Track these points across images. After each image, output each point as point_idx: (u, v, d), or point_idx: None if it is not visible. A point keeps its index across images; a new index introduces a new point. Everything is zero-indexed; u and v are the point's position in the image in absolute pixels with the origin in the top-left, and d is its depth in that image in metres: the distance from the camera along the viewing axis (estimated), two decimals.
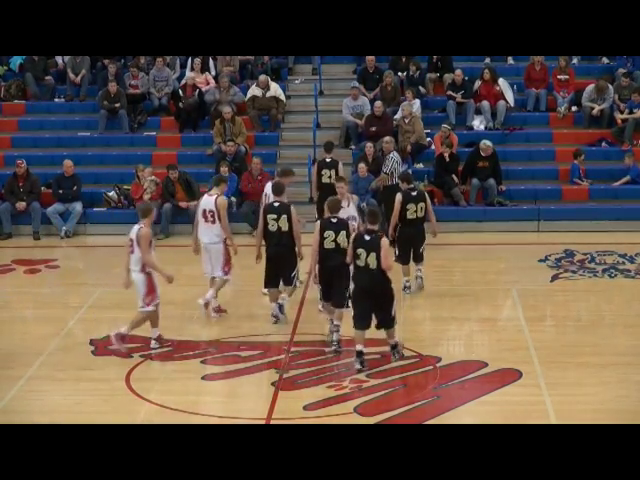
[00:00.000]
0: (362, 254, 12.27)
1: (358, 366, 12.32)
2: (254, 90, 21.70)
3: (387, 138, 18.86)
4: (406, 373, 12.23)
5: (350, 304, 12.71)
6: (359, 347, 12.40)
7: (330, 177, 17.12)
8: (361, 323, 12.39)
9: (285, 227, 13.78)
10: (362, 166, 18.88)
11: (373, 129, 20.39)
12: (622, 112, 21.12)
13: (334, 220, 13.12)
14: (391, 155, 18.33)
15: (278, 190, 14.03)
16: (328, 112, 22.03)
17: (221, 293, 14.58)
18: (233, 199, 19.50)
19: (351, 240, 12.55)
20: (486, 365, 12.35)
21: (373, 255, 12.21)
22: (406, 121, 20.51)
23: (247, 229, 19.27)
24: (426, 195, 15.48)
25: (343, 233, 13.00)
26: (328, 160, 17.51)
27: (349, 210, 14.18)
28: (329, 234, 13.04)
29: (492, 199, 19.85)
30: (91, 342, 13.45)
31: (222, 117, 20.80)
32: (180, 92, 21.84)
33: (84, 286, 16.23)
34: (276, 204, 13.91)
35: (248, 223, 19.36)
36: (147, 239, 12.83)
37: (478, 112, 21.59)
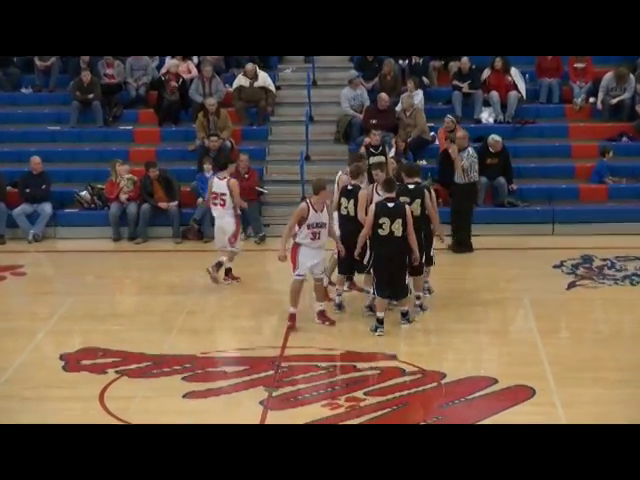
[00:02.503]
0: (386, 223, 13.27)
1: (379, 333, 13.64)
2: (241, 80, 21.67)
3: (460, 134, 18.85)
4: (408, 391, 12.20)
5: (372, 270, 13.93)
6: (380, 315, 13.67)
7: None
8: (384, 291, 13.64)
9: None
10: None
11: (374, 122, 20.34)
12: None
13: (350, 187, 14.49)
14: (469, 151, 18.27)
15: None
16: (322, 104, 22.04)
17: (204, 304, 14.61)
18: None
19: (371, 210, 13.37)
20: (496, 382, 12.34)
21: (399, 222, 13.28)
22: (407, 114, 20.51)
23: None
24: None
25: (352, 201, 14.26)
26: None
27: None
28: (343, 201, 14.50)
29: (502, 199, 19.88)
30: (61, 357, 13.42)
31: (205, 109, 20.76)
32: (163, 80, 21.71)
33: (53, 295, 16.20)
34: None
35: None
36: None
37: (486, 104, 21.61)
